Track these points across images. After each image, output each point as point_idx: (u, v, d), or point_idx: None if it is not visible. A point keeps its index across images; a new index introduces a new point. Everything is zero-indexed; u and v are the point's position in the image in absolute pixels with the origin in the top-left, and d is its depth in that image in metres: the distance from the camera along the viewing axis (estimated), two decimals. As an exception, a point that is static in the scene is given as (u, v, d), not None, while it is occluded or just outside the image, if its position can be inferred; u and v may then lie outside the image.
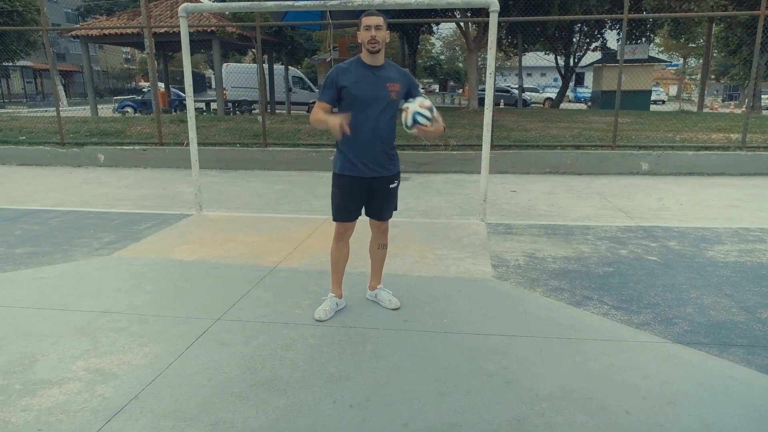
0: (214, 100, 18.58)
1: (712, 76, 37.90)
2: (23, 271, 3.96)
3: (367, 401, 2.36)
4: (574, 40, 23.66)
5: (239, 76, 21.12)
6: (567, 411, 2.28)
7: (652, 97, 25.16)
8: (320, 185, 7.50)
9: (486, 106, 5.32)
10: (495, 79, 5.36)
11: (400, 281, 3.72)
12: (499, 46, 21.34)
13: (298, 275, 3.88)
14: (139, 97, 21.61)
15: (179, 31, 5.51)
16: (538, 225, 5.29)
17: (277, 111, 19.49)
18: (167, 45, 18.92)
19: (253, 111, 18.64)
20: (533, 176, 8.15)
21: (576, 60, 24.96)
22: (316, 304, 3.33)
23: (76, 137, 10.08)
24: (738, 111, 21.38)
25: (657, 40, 30.67)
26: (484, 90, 5.53)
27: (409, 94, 2.98)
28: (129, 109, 19.59)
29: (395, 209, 3.24)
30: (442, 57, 45.95)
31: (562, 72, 25.49)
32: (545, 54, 26.59)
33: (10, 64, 29.26)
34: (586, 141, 9.31)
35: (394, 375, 2.57)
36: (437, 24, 22.90)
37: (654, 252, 4.42)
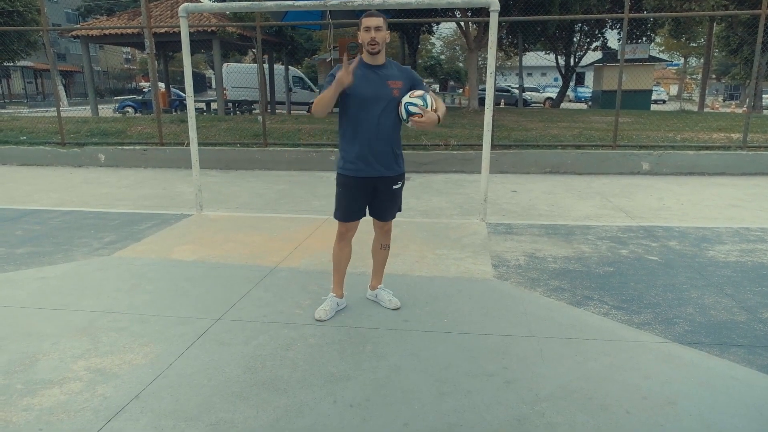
0: (214, 100, 18.59)
1: (713, 76, 37.89)
2: (24, 271, 3.96)
3: (368, 401, 2.36)
4: (575, 39, 23.66)
5: (239, 76, 21.12)
6: (567, 411, 2.28)
7: (653, 97, 25.16)
8: (320, 185, 7.50)
9: (486, 106, 5.32)
10: (495, 79, 5.36)
11: (401, 281, 3.72)
12: (500, 45, 21.35)
13: (298, 275, 3.88)
14: (140, 97, 21.61)
15: (179, 31, 5.51)
16: (539, 225, 5.28)
17: (277, 111, 19.50)
18: (167, 45, 18.92)
19: (253, 111, 18.64)
20: (534, 176, 8.15)
21: (576, 59, 24.96)
22: (317, 304, 3.33)
23: (76, 137, 10.08)
24: (739, 110, 21.36)
25: (658, 39, 30.66)
26: (484, 90, 5.54)
27: (413, 90, 2.96)
28: (129, 109, 19.59)
29: (399, 210, 3.23)
30: (443, 57, 45.95)
31: (563, 72, 25.49)
32: (546, 53, 26.60)
33: (11, 64, 29.27)
34: (586, 141, 9.31)
35: (394, 375, 2.57)
36: (437, 24, 22.88)
37: (655, 252, 4.42)
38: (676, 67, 43.47)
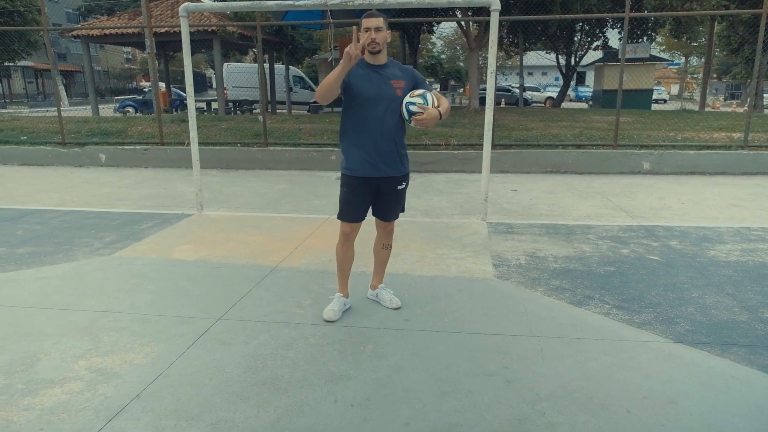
0: (214, 100, 18.59)
1: (714, 75, 37.87)
2: (25, 271, 3.96)
3: (368, 401, 2.36)
4: (576, 39, 23.63)
5: (240, 75, 21.12)
6: (568, 410, 2.28)
7: (654, 96, 25.14)
8: (321, 185, 7.51)
9: (487, 106, 5.32)
10: (496, 78, 5.36)
11: (401, 281, 3.72)
12: (500, 45, 21.34)
13: (299, 275, 3.88)
14: (140, 97, 21.61)
15: (180, 31, 5.51)
16: (539, 224, 5.28)
17: (277, 110, 19.50)
18: (168, 45, 18.93)
19: (253, 111, 18.64)
20: (534, 175, 8.14)
21: (577, 59, 24.93)
22: (317, 303, 3.33)
23: (77, 137, 10.09)
24: (740, 110, 21.34)
25: (659, 38, 30.66)
26: (485, 89, 5.54)
27: (416, 89, 2.95)
28: (130, 109, 19.59)
29: (402, 210, 3.22)
30: (443, 56, 45.93)
31: (564, 71, 25.47)
32: (546, 53, 26.56)
33: (12, 64, 29.30)
34: (587, 140, 9.30)
35: (395, 374, 2.57)
36: (438, 23, 22.86)
37: (655, 251, 4.42)
38: (677, 67, 43.46)
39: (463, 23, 17.18)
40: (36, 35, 24.23)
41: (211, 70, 38.28)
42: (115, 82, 46.04)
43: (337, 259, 3.21)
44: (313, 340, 2.91)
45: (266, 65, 18.64)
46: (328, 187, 7.31)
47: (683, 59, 41.84)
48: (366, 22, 2.83)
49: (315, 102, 3.12)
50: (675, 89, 41.98)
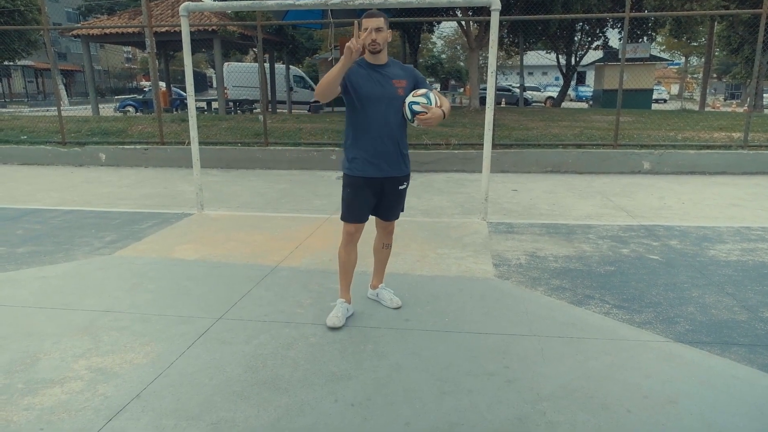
0: (215, 100, 18.59)
1: (714, 75, 37.87)
2: (25, 271, 3.96)
3: (369, 400, 2.36)
4: (576, 38, 23.61)
5: (240, 75, 21.12)
6: (568, 410, 2.28)
7: (654, 96, 25.14)
8: (321, 184, 7.51)
9: (487, 105, 5.32)
10: (496, 78, 5.36)
11: (402, 280, 3.72)
12: (501, 44, 21.32)
13: (299, 274, 3.88)
14: (141, 97, 21.60)
15: (180, 30, 5.51)
16: (540, 224, 5.28)
17: (278, 110, 19.50)
18: (168, 44, 18.92)
19: (254, 110, 18.65)
20: (534, 175, 8.14)
21: (577, 59, 24.92)
22: (318, 303, 3.33)
23: (77, 137, 10.09)
24: (740, 110, 21.34)
25: (659, 38, 30.64)
26: (485, 89, 5.54)
27: (417, 88, 2.94)
28: (130, 109, 19.59)
29: (402, 210, 3.22)
30: (444, 56, 45.92)
31: (564, 71, 25.46)
32: (547, 53, 26.55)
33: (12, 63, 29.29)
34: (587, 140, 9.30)
35: (395, 374, 2.57)
36: (438, 23, 22.85)
37: (656, 251, 4.42)
38: (677, 67, 43.45)
39: (463, 23, 17.18)
40: (36, 34, 24.22)
41: (212, 70, 38.29)
42: (115, 82, 46.04)
43: (340, 262, 3.15)
44: (313, 339, 2.91)
45: (267, 65, 18.63)
46: (328, 186, 7.31)
47: (683, 59, 41.83)
48: (366, 22, 2.80)
49: (315, 101, 3.09)
50: (675, 89, 41.98)
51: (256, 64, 16.81)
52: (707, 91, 22.23)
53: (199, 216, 5.56)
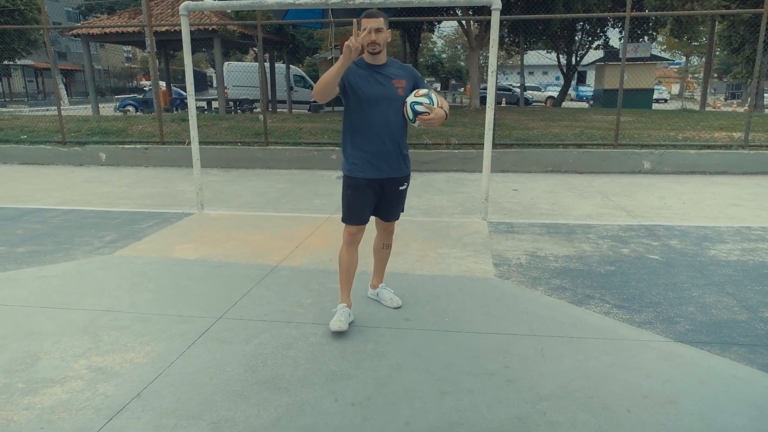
0: (215, 99, 18.59)
1: (715, 75, 37.85)
2: (25, 270, 3.96)
3: (369, 400, 2.36)
4: (577, 38, 23.61)
5: (240, 74, 21.12)
6: (568, 410, 2.28)
7: (655, 96, 25.11)
8: (322, 184, 7.50)
9: (488, 105, 5.32)
10: (497, 78, 5.35)
11: (402, 280, 3.72)
12: (501, 44, 21.32)
13: (299, 274, 3.88)
14: (141, 96, 21.61)
15: (180, 30, 5.51)
16: (540, 224, 5.28)
17: (278, 110, 19.49)
18: (168, 43, 18.93)
19: (254, 110, 18.65)
20: (535, 175, 8.14)
21: (578, 58, 24.92)
22: (318, 302, 3.33)
23: (77, 136, 10.09)
24: (740, 109, 21.33)
25: (659, 38, 30.63)
26: (485, 88, 5.54)
27: (416, 88, 2.91)
28: (130, 108, 19.59)
29: (402, 211, 3.22)
30: (444, 55, 45.91)
31: (564, 70, 25.46)
32: (547, 52, 26.54)
33: (12, 63, 29.29)
34: (588, 140, 9.29)
35: (395, 374, 2.57)
36: (439, 22, 22.85)
37: (656, 251, 4.41)
38: (677, 66, 43.45)
39: (464, 22, 17.18)
40: (36, 34, 24.22)
41: (212, 69, 38.26)
42: (115, 81, 46.04)
43: (340, 265, 3.09)
44: (313, 339, 2.91)
45: (267, 64, 18.62)
46: (328, 186, 7.31)
47: (684, 59, 41.82)
48: (365, 22, 2.76)
49: (315, 101, 3.07)
50: (676, 89, 41.98)
51: (256, 63, 16.81)
52: (708, 90, 22.22)
53: (199, 215, 5.56)
